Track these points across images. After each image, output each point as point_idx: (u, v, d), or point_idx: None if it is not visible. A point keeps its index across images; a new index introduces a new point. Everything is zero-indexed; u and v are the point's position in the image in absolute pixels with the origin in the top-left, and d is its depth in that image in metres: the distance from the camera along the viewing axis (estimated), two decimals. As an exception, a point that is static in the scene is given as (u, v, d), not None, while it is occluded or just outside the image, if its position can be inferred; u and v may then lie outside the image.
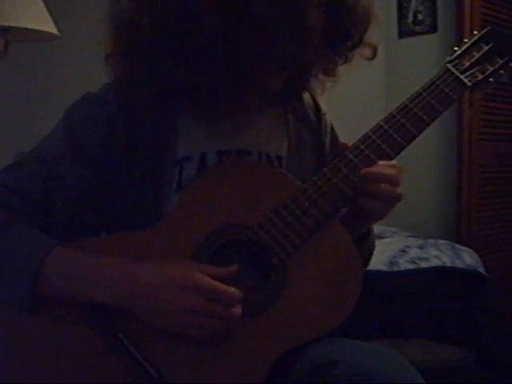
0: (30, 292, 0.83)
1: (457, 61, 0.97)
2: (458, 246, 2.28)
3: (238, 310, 0.83)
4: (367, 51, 0.97)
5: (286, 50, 0.84)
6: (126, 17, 0.91)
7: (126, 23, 0.90)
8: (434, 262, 2.07)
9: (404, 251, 2.13)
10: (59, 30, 1.98)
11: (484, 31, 0.99)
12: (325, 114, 1.09)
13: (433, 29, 2.91)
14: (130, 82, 0.93)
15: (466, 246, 2.37)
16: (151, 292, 0.82)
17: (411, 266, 2.03)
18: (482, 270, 2.12)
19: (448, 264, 2.08)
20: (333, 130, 1.10)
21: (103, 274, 0.84)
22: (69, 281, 0.84)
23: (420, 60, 2.92)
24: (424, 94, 0.93)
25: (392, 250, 2.13)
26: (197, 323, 0.82)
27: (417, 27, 2.96)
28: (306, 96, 1.08)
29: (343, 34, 0.92)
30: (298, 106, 1.06)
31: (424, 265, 2.05)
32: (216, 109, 0.92)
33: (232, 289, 0.83)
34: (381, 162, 0.92)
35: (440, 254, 2.12)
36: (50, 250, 0.85)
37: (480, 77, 0.96)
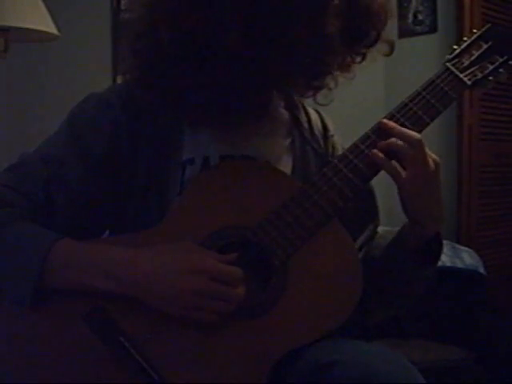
0: (36, 284, 0.82)
1: (456, 59, 0.96)
2: (457, 246, 2.28)
3: (241, 289, 0.83)
4: (385, 47, 0.97)
5: (309, 61, 0.87)
6: (142, 29, 0.90)
7: (143, 36, 0.89)
8: (434, 262, 2.06)
9: (404, 251, 2.12)
10: (59, 30, 1.98)
11: (484, 29, 0.98)
12: (333, 135, 1.07)
13: (433, 29, 2.91)
14: (142, 92, 0.93)
15: (466, 246, 2.37)
16: (154, 276, 0.82)
17: (411, 266, 2.02)
18: (481, 269, 2.13)
19: (448, 264, 2.08)
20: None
21: (105, 261, 0.84)
22: (72, 270, 0.84)
23: (420, 60, 2.91)
24: (424, 93, 0.93)
25: (392, 249, 2.12)
26: (200, 305, 0.82)
27: (417, 27, 2.95)
28: (314, 117, 1.07)
29: (361, 34, 0.92)
30: (304, 128, 1.04)
31: (424, 265, 2.04)
32: (229, 119, 0.92)
33: (234, 268, 0.83)
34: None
35: (440, 254, 2.11)
36: (53, 243, 0.85)
37: (480, 75, 0.96)
